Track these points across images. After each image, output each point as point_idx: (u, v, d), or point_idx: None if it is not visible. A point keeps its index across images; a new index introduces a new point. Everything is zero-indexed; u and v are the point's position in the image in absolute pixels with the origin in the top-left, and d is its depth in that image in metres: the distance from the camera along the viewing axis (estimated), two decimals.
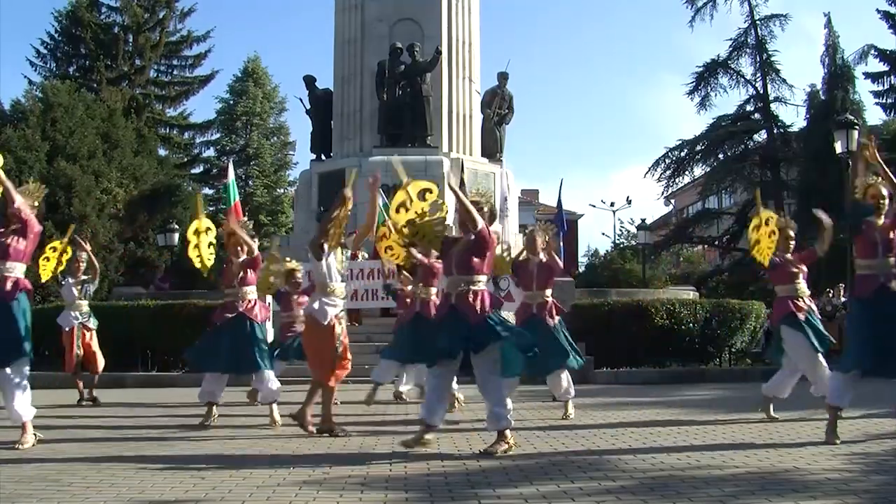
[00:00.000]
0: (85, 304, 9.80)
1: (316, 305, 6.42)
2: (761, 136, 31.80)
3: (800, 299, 7.25)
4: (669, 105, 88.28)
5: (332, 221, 6.44)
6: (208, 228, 7.78)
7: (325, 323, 6.38)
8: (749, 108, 31.42)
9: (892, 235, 5.90)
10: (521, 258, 7.87)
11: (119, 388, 11.60)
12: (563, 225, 16.90)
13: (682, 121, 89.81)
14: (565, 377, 7.64)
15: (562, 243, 16.29)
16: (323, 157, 19.94)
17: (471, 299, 5.51)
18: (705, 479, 4.53)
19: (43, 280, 9.96)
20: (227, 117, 38.42)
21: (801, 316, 7.15)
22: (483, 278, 5.62)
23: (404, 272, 9.19)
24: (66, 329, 9.76)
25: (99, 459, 5.39)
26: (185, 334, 10.14)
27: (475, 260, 5.57)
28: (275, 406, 7.21)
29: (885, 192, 5.94)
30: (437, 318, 6.11)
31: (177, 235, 22.38)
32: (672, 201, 42.62)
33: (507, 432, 5.59)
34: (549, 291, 7.68)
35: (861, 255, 6.04)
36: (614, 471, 4.86)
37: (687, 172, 32.89)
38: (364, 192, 19.00)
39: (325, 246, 6.40)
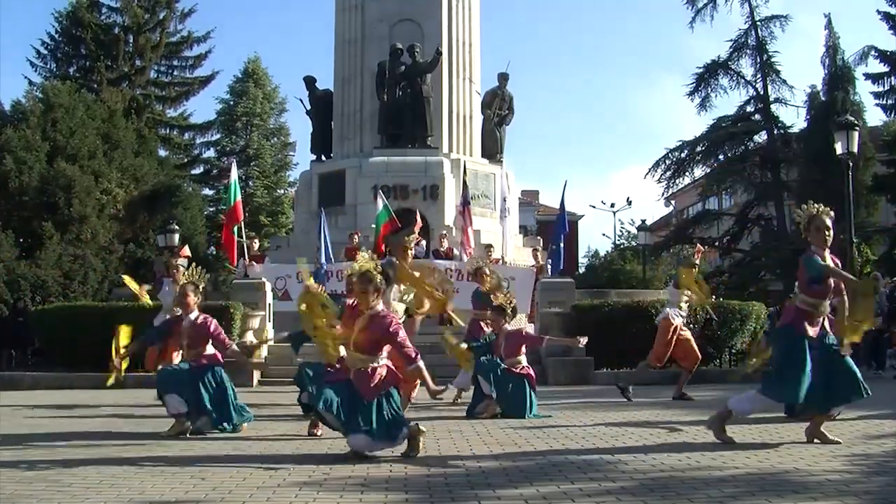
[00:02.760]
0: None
1: None
2: (761, 137, 31.79)
3: None
4: (669, 105, 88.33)
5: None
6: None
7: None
8: (749, 108, 31.42)
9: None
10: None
11: (119, 388, 11.56)
12: (565, 226, 16.86)
13: (683, 121, 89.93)
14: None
15: (562, 244, 16.29)
16: (323, 158, 19.95)
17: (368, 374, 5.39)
18: (705, 480, 4.53)
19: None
20: (227, 118, 38.41)
21: None
22: (383, 354, 5.50)
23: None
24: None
25: (99, 460, 5.39)
26: None
27: (373, 342, 5.46)
28: None
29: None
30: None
31: (177, 236, 22.35)
32: (672, 202, 42.65)
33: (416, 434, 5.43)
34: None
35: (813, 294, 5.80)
36: (614, 471, 4.86)
37: (687, 173, 32.95)
38: (364, 192, 18.98)
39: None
